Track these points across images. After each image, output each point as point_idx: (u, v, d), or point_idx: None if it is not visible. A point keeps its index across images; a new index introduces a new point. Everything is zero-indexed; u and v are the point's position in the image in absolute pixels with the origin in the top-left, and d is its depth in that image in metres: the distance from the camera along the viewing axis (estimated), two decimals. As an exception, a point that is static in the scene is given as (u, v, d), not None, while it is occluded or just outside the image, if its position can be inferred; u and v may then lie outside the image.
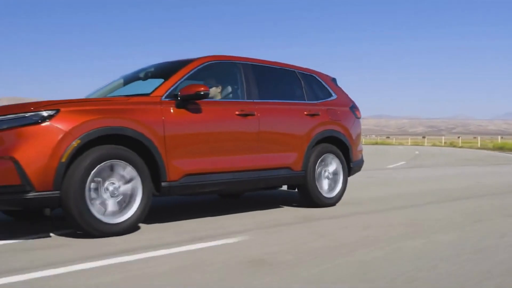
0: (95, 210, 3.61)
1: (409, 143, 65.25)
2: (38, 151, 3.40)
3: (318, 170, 5.34)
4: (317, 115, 5.39)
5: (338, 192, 5.57)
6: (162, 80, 4.44)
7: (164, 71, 4.75)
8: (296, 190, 5.51)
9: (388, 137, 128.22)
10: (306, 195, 5.32)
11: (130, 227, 3.80)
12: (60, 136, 3.47)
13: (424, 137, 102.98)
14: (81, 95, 5.31)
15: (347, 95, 6.12)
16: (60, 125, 3.49)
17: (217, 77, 4.83)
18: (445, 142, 56.59)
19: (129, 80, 5.18)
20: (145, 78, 4.96)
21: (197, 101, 4.28)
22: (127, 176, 3.80)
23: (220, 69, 4.87)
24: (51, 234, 3.80)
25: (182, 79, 4.37)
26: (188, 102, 4.23)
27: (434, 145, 54.46)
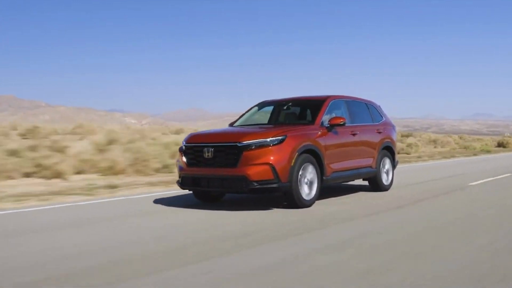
0: (301, 192, 6.28)
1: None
2: (281, 159, 6.02)
3: (381, 168, 8.32)
4: (381, 132, 8.37)
5: (391, 180, 8.64)
6: (299, 109, 7.53)
7: (306, 105, 7.71)
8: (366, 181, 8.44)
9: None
10: (375, 184, 8.28)
11: (313, 202, 6.51)
12: (290, 150, 6.11)
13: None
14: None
15: (388, 116, 9.16)
16: (290, 145, 6.13)
17: (336, 109, 7.58)
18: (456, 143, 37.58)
19: (263, 107, 7.95)
20: (287, 108, 7.70)
21: (336, 127, 7.05)
22: (311, 171, 6.48)
23: (337, 104, 7.65)
24: (272, 208, 6.41)
25: (325, 113, 7.12)
26: (333, 127, 7.00)
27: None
